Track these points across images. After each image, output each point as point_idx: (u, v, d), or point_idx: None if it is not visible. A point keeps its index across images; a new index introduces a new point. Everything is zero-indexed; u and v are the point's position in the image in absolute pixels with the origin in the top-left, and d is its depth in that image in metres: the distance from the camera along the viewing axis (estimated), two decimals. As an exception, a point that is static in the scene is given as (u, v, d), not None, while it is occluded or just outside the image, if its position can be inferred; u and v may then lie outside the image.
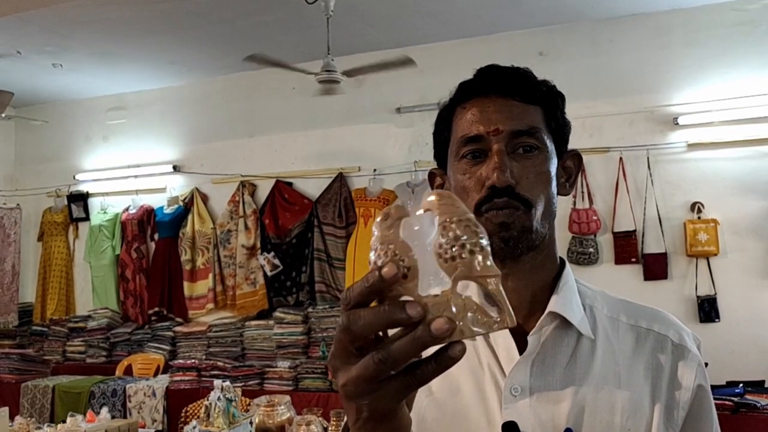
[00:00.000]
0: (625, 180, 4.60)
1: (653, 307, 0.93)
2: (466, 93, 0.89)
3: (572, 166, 0.95)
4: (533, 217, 0.85)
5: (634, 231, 4.56)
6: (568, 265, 0.94)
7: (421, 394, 0.83)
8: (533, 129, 0.86)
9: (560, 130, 0.91)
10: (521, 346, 0.85)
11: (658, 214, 4.51)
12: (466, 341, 0.88)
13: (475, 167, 0.86)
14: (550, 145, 0.89)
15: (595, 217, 4.60)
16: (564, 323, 0.86)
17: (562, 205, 4.50)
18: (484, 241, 0.52)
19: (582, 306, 0.89)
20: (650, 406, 0.83)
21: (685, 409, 0.84)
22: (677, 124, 4.50)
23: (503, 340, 0.87)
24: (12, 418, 3.11)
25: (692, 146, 4.50)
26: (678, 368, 0.86)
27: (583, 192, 4.65)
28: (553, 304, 0.86)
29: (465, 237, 0.51)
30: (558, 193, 0.91)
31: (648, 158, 4.54)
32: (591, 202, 4.65)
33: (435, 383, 0.57)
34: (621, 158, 4.60)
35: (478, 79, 0.89)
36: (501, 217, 0.83)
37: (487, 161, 0.85)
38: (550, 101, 0.90)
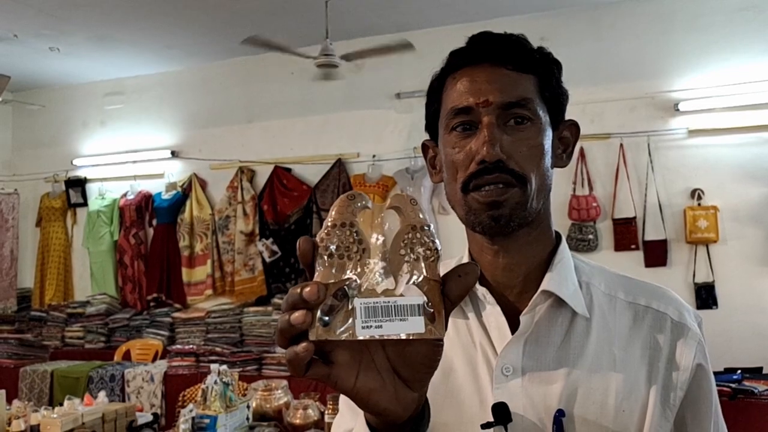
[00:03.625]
0: (626, 166, 4.58)
1: (654, 284, 0.90)
2: (457, 62, 0.85)
3: (569, 136, 0.90)
4: (528, 192, 0.81)
5: (634, 218, 4.55)
6: (563, 240, 0.91)
7: None
8: (524, 100, 0.81)
9: (556, 99, 0.86)
10: (514, 325, 0.83)
11: (659, 201, 4.50)
12: (459, 319, 0.87)
13: (464, 140, 0.83)
14: (544, 116, 0.84)
15: (594, 204, 4.58)
16: (558, 302, 0.84)
17: (562, 191, 4.49)
18: (438, 253, 0.57)
19: (578, 283, 0.86)
20: (646, 386, 0.81)
21: (683, 390, 0.82)
22: (678, 110, 4.47)
23: (495, 319, 0.85)
24: (10, 402, 3.10)
25: (693, 132, 4.47)
26: (677, 347, 0.83)
27: (583, 179, 4.63)
28: (547, 283, 0.83)
29: (423, 243, 0.57)
30: (554, 166, 0.87)
31: (648, 145, 4.52)
32: (591, 188, 4.63)
33: None
34: (621, 144, 4.58)
35: (469, 47, 0.85)
36: (492, 196, 0.80)
37: (477, 134, 0.81)
38: (544, 69, 0.85)
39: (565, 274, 0.85)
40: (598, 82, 4.62)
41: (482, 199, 0.80)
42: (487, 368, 0.83)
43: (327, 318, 0.54)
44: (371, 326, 0.55)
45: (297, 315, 0.53)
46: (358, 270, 0.55)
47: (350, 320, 0.54)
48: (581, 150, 4.62)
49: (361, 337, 0.54)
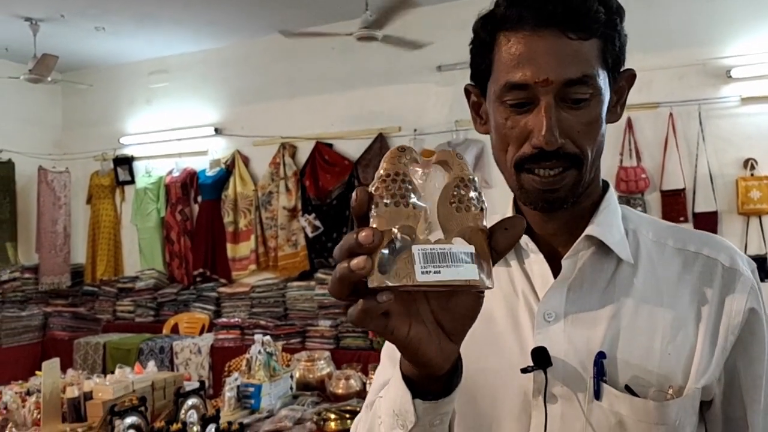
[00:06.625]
0: (675, 136, 4.44)
1: (706, 232, 0.87)
2: (513, 18, 0.76)
3: (625, 84, 0.84)
4: (584, 170, 0.78)
5: (684, 189, 4.42)
6: (611, 188, 0.88)
7: None
8: (587, 76, 0.74)
9: (618, 56, 0.79)
10: (558, 273, 0.81)
11: (709, 172, 4.36)
12: (500, 267, 0.85)
13: (519, 116, 0.77)
14: (605, 82, 0.77)
15: (643, 175, 4.47)
16: (603, 248, 0.81)
17: (609, 163, 4.39)
18: (484, 204, 0.59)
19: (624, 230, 0.84)
20: (694, 330, 0.78)
21: (734, 334, 0.78)
22: (730, 77, 4.31)
23: (538, 266, 0.83)
24: (64, 371, 3.22)
25: (746, 100, 4.31)
26: (728, 292, 0.80)
27: (630, 149, 4.52)
28: (591, 228, 0.81)
29: (470, 195, 0.58)
30: (608, 122, 0.81)
31: (699, 113, 4.37)
32: (639, 159, 4.51)
33: None
34: (671, 114, 4.44)
35: (529, 5, 0.75)
36: (548, 184, 0.77)
37: (534, 113, 0.75)
38: (609, 28, 0.76)
39: (610, 221, 0.83)
40: (647, 50, 4.46)
41: (538, 185, 0.78)
42: (528, 315, 0.82)
43: (384, 266, 0.54)
44: (430, 271, 0.54)
45: (357, 261, 0.53)
46: (411, 219, 0.56)
47: (408, 266, 0.54)
48: (628, 120, 4.50)
49: (421, 281, 0.54)
